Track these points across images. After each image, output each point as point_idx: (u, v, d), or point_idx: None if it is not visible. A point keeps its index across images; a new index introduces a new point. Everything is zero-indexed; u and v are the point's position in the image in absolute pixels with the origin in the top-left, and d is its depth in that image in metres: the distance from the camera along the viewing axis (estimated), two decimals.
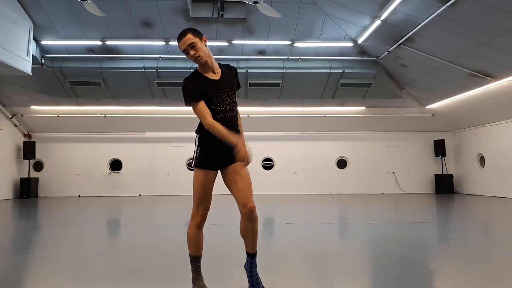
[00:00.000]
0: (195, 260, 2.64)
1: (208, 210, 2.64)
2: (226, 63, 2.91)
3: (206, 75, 2.65)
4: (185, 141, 12.94)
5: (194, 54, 2.56)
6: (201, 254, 2.66)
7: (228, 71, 2.76)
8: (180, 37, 2.58)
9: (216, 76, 2.66)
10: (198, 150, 2.70)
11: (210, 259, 3.74)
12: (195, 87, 2.58)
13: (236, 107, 2.76)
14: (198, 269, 2.64)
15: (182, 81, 2.62)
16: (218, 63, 2.77)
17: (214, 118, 2.58)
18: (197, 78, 2.63)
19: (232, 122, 2.69)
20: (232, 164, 2.63)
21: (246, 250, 2.68)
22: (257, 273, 2.66)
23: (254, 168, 12.43)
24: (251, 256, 2.66)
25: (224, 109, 2.65)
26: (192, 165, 2.68)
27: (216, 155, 2.63)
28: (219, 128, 2.52)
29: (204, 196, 2.62)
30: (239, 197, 2.56)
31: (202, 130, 2.67)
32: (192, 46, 2.55)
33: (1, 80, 10.11)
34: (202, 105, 2.58)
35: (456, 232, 5.52)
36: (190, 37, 2.55)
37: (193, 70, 2.71)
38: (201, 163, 2.66)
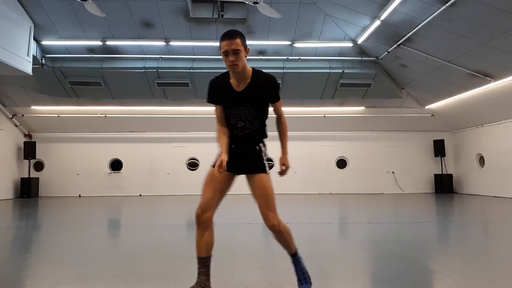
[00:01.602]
0: (197, 260, 2.58)
1: (204, 212, 2.49)
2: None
3: (232, 82, 2.58)
4: (185, 141, 12.96)
5: (233, 60, 2.45)
6: (204, 256, 2.55)
7: (262, 83, 2.60)
8: (227, 37, 2.46)
9: (241, 87, 2.57)
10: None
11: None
12: (214, 91, 2.62)
13: (258, 126, 2.65)
14: (198, 271, 2.55)
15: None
16: (258, 72, 2.62)
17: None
18: (221, 82, 2.60)
19: (245, 140, 2.62)
20: (255, 177, 2.57)
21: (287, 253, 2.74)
22: (303, 267, 2.69)
23: None
24: (293, 255, 2.71)
25: (235, 124, 2.60)
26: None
27: (232, 158, 2.54)
28: (219, 141, 2.57)
29: (204, 190, 2.53)
30: (261, 212, 2.55)
31: None
32: (236, 52, 2.45)
33: (2, 80, 10.13)
34: (217, 110, 2.64)
35: (456, 232, 5.53)
36: (237, 42, 2.45)
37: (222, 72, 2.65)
38: (215, 161, 2.61)
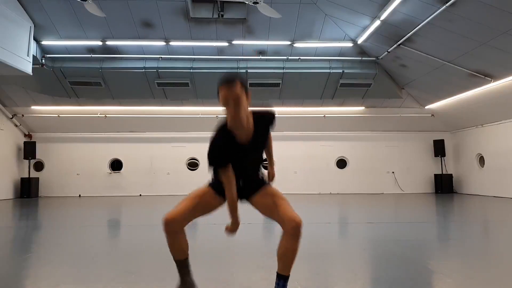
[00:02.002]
0: (175, 263, 2.59)
1: (175, 222, 2.36)
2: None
3: (237, 134, 2.31)
4: (185, 141, 12.96)
5: (235, 110, 2.20)
6: (181, 259, 2.55)
7: (263, 125, 2.44)
8: (226, 85, 2.20)
9: (247, 137, 2.34)
10: (213, 178, 2.56)
11: (210, 259, 3.75)
12: (223, 152, 2.31)
13: (261, 157, 2.59)
14: (179, 273, 2.57)
15: (211, 138, 2.33)
16: (257, 113, 2.38)
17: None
18: (226, 141, 2.31)
19: (252, 172, 2.53)
20: (261, 190, 2.50)
21: (278, 272, 2.41)
22: None
23: None
24: (284, 279, 2.40)
25: (244, 167, 2.46)
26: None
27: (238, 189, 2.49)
28: (233, 208, 2.43)
29: (188, 203, 2.41)
30: (285, 213, 2.33)
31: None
32: (237, 102, 2.19)
33: (2, 80, 10.12)
34: (227, 172, 2.35)
35: (456, 232, 5.53)
36: (238, 89, 2.18)
37: (220, 125, 2.35)
38: (211, 183, 2.54)
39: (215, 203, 2.51)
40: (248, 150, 2.39)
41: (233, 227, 2.48)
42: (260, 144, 2.49)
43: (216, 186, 2.50)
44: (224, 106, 2.23)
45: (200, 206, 2.46)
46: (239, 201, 2.51)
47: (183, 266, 2.53)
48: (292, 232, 2.29)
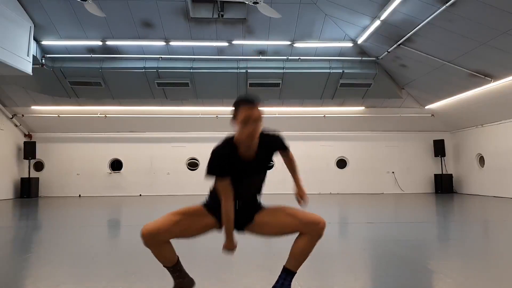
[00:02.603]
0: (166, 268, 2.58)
1: (152, 238, 2.38)
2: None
3: (242, 151, 2.30)
4: (185, 141, 12.96)
5: (254, 130, 2.21)
6: (169, 266, 2.53)
7: (268, 144, 2.42)
8: (250, 104, 2.22)
9: (250, 156, 2.33)
10: (208, 198, 2.51)
11: (209, 258, 3.75)
12: (225, 163, 2.27)
13: (263, 183, 2.54)
14: (172, 277, 2.56)
15: (213, 148, 2.31)
16: (262, 133, 2.36)
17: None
18: (229, 154, 2.29)
19: (251, 199, 2.49)
20: (263, 211, 2.48)
21: (288, 268, 2.43)
22: None
23: None
24: (292, 275, 2.44)
25: (244, 193, 2.42)
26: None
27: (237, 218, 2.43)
28: (228, 222, 2.33)
29: (166, 219, 2.37)
30: (310, 217, 2.36)
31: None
32: (257, 120, 2.22)
33: (2, 80, 10.12)
34: (226, 184, 2.29)
35: (456, 232, 5.53)
36: (260, 109, 2.23)
37: (227, 138, 2.34)
38: (205, 203, 2.48)
39: (205, 222, 2.42)
40: (249, 167, 2.36)
41: (229, 245, 2.39)
42: (262, 164, 2.44)
43: (210, 206, 2.44)
44: (243, 124, 2.20)
45: (185, 222, 2.37)
46: (235, 230, 2.43)
47: (174, 271, 2.53)
48: (320, 233, 2.35)
